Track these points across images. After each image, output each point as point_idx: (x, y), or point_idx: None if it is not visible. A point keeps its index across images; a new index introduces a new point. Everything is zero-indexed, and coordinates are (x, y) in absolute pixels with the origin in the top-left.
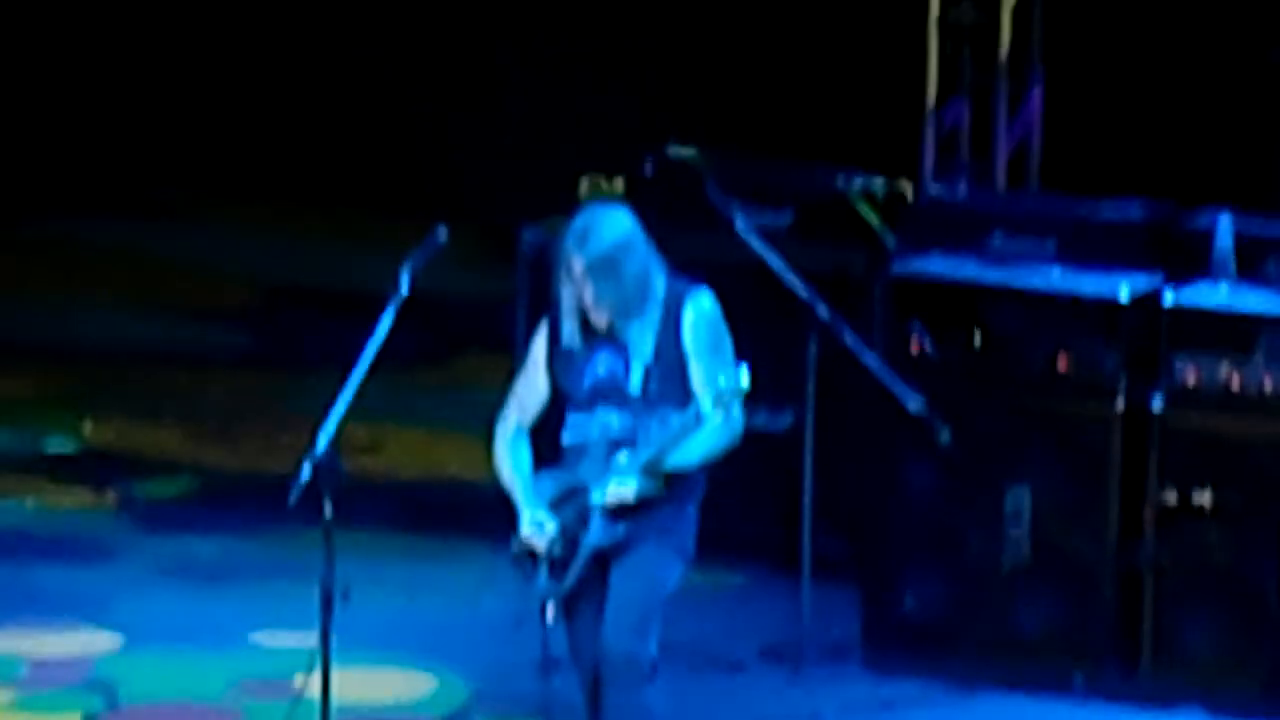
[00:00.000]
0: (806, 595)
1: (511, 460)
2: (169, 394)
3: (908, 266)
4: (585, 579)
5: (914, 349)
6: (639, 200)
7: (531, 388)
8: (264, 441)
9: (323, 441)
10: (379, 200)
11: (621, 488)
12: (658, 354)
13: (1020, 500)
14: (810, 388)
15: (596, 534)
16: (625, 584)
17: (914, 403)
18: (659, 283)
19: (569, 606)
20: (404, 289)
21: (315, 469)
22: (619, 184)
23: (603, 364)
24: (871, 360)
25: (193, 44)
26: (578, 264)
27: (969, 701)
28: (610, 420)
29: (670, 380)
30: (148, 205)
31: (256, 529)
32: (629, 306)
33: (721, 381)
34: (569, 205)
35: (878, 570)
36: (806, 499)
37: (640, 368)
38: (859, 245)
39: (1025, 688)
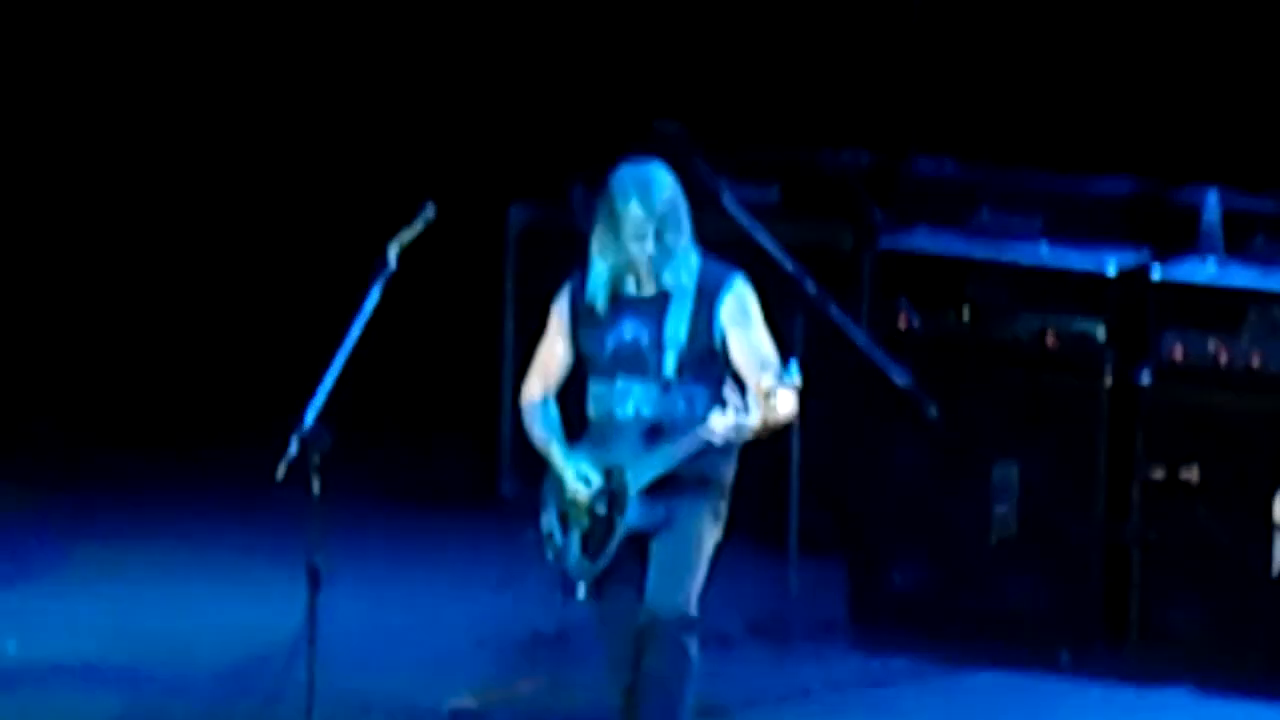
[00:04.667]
0: (794, 571)
1: (542, 423)
2: None
3: (895, 242)
4: (619, 557)
5: (901, 324)
6: None
7: (553, 353)
8: None
9: (310, 416)
10: (366, 179)
11: (723, 420)
12: (692, 337)
13: (1007, 476)
14: (797, 363)
15: (634, 516)
16: (670, 548)
17: (901, 378)
18: (694, 257)
19: (600, 584)
20: (392, 264)
21: (303, 443)
22: None
23: (628, 331)
24: (859, 335)
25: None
26: (640, 218)
27: (956, 678)
28: (637, 396)
29: (702, 363)
30: None
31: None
32: (683, 254)
33: (772, 368)
34: (556, 183)
35: (865, 546)
36: (794, 474)
37: (674, 350)
38: (846, 221)
39: (1012, 664)
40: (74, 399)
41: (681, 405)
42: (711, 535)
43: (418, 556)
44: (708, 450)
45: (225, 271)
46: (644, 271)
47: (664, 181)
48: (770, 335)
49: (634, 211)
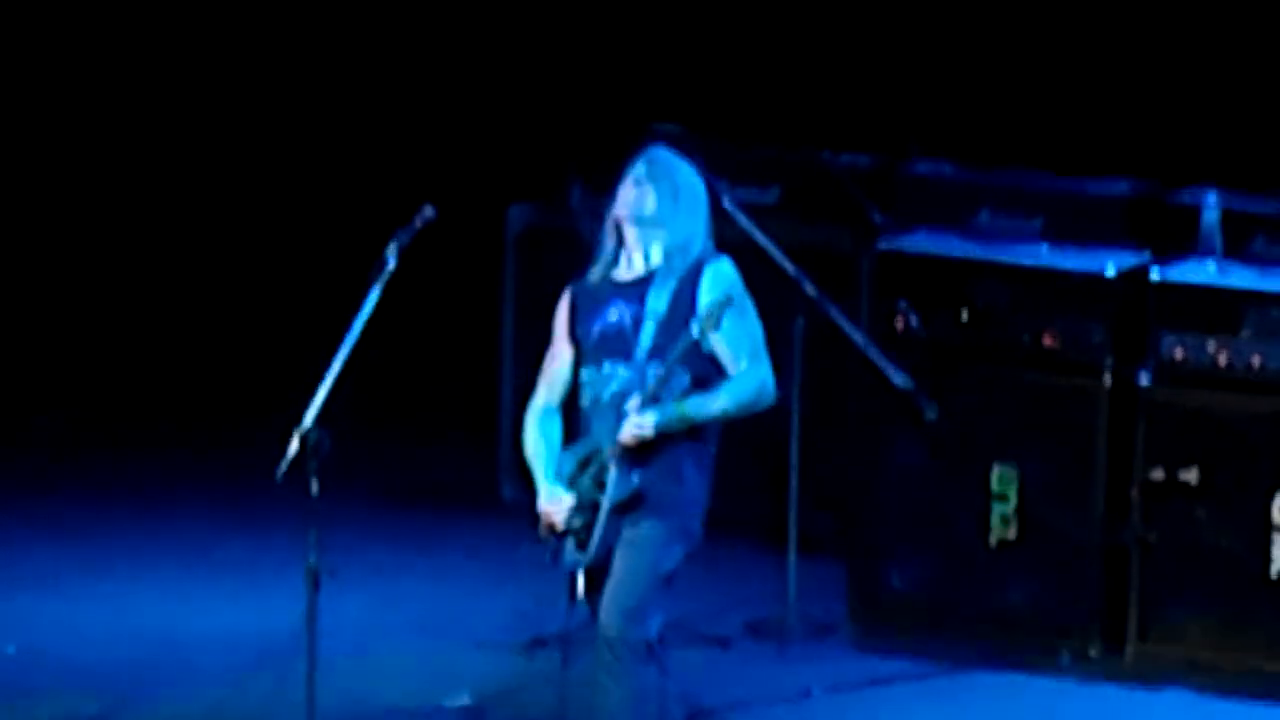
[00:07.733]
0: (793, 572)
1: (535, 437)
2: None
3: (894, 243)
4: (611, 544)
5: (900, 326)
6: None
7: (556, 358)
8: None
9: (310, 417)
10: (366, 180)
11: (639, 422)
12: (670, 311)
13: (1006, 477)
14: (797, 364)
15: (612, 489)
16: (624, 564)
17: (900, 379)
18: (698, 245)
19: (595, 578)
20: (391, 264)
21: (302, 445)
22: None
23: (614, 312)
24: (858, 337)
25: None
26: (639, 175)
27: (955, 679)
28: (620, 378)
29: (676, 338)
30: None
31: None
32: (680, 233)
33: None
34: (556, 185)
35: (864, 547)
36: (793, 475)
37: (652, 324)
38: (845, 222)
39: (1011, 665)
40: (74, 399)
41: (653, 382)
42: (674, 553)
43: (418, 559)
44: (677, 468)
45: (226, 273)
46: (636, 240)
47: (677, 163)
48: (760, 329)
49: (637, 169)
